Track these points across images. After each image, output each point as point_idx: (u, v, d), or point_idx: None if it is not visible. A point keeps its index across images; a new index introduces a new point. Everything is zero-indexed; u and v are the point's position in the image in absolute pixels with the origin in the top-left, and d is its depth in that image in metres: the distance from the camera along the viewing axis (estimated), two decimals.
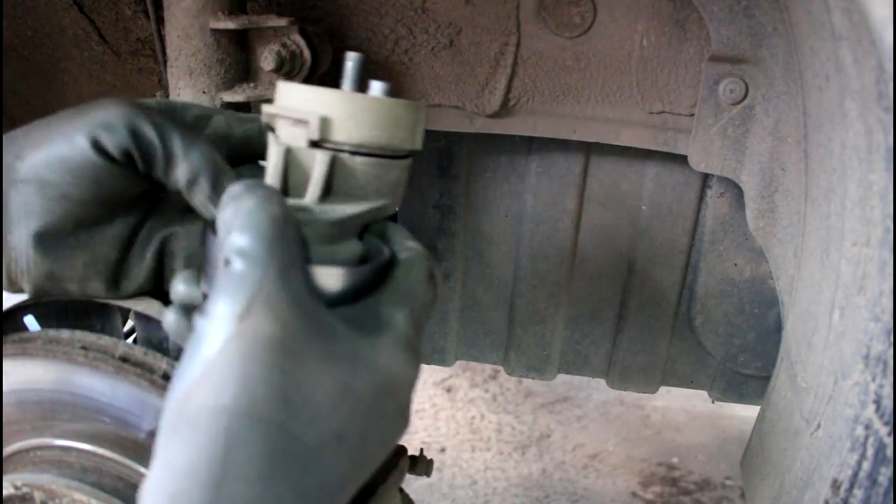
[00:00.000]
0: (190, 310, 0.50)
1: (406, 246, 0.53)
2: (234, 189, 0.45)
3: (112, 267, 0.58)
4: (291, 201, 0.52)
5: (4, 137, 0.55)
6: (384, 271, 0.51)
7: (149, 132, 0.53)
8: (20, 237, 0.54)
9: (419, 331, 0.47)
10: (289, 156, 0.52)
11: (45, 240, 0.54)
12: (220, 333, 0.39)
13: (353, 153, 0.53)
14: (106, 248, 0.58)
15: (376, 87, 0.54)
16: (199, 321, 0.41)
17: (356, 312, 0.46)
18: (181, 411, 0.38)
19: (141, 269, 0.60)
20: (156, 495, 0.37)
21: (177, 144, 0.54)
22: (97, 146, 0.52)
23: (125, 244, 0.59)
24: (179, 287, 0.50)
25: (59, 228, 0.54)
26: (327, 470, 0.39)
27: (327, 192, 0.53)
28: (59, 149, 0.52)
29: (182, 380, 0.39)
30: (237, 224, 0.42)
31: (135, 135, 0.53)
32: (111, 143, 0.53)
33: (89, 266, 0.57)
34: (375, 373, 0.43)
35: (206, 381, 0.38)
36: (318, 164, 0.52)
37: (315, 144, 0.52)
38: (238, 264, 0.41)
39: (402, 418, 0.46)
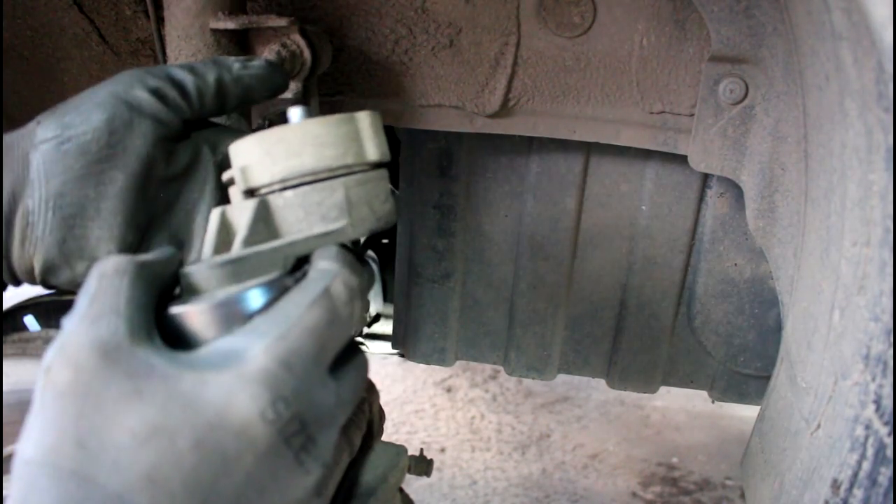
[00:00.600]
0: None
1: (318, 267, 0.47)
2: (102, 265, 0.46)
3: (124, 251, 0.58)
4: (215, 259, 0.48)
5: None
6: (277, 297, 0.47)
7: (179, 73, 0.60)
8: (39, 198, 0.54)
9: (290, 361, 0.42)
10: (223, 217, 0.52)
11: (64, 200, 0.54)
12: (36, 388, 0.40)
13: (284, 189, 0.50)
14: (122, 228, 0.57)
15: (294, 114, 0.52)
16: None
17: (208, 351, 0.43)
18: (14, 464, 0.39)
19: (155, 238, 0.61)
20: None
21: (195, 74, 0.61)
22: (119, 97, 0.56)
23: (142, 231, 0.58)
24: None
25: (77, 186, 0.55)
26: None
27: (268, 236, 0.50)
28: (78, 104, 0.55)
29: None
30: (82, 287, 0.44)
31: (169, 77, 0.58)
32: (141, 86, 0.57)
33: (101, 243, 0.56)
34: (199, 409, 0.39)
35: (23, 434, 0.39)
36: (244, 212, 0.51)
37: (250, 194, 0.51)
38: (65, 323, 0.42)
39: (257, 457, 0.40)
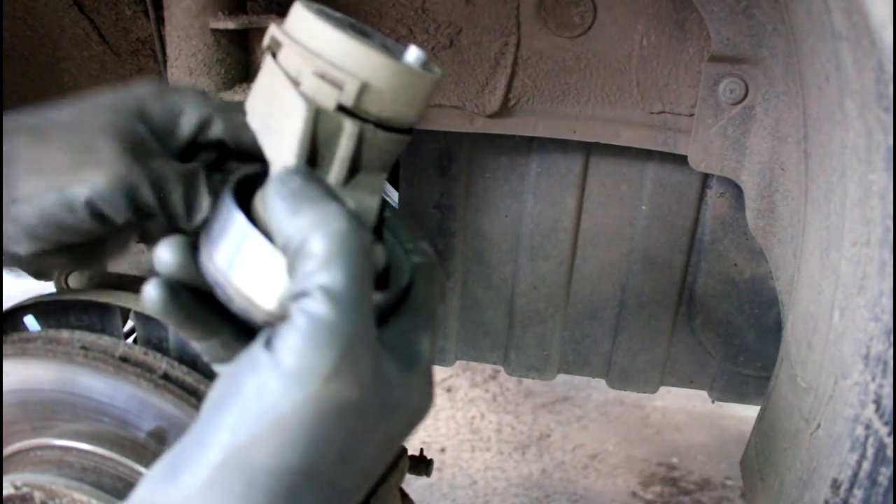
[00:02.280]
0: (177, 284, 0.44)
1: (418, 248, 0.48)
2: (292, 184, 0.41)
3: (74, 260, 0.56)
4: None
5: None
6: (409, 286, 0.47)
7: (147, 196, 0.48)
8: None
9: (435, 352, 0.46)
10: (316, 124, 0.44)
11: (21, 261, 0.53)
12: (301, 390, 0.36)
13: (378, 126, 0.45)
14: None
15: (414, 56, 0.46)
16: (267, 366, 0.37)
17: (395, 340, 0.43)
18: (240, 467, 0.36)
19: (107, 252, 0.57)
20: None
21: (177, 204, 0.49)
22: (95, 214, 0.48)
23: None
24: (165, 256, 0.44)
25: (37, 255, 0.52)
26: (346, 500, 0.41)
27: (353, 170, 0.46)
28: (54, 210, 0.47)
29: (240, 427, 0.36)
30: (326, 250, 0.37)
31: (134, 203, 0.48)
32: (110, 213, 0.48)
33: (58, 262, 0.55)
34: (408, 414, 0.42)
35: (272, 438, 0.36)
36: (346, 136, 0.45)
37: (342, 110, 0.44)
38: (327, 309, 0.36)
39: (409, 426, 0.46)
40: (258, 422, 0.36)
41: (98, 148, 0.47)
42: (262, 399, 0.36)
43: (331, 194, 0.41)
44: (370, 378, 0.38)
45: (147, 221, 0.51)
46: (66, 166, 0.47)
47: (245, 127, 0.53)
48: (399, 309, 0.44)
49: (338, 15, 0.49)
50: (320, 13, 0.46)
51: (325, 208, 0.39)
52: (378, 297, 0.42)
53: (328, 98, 0.44)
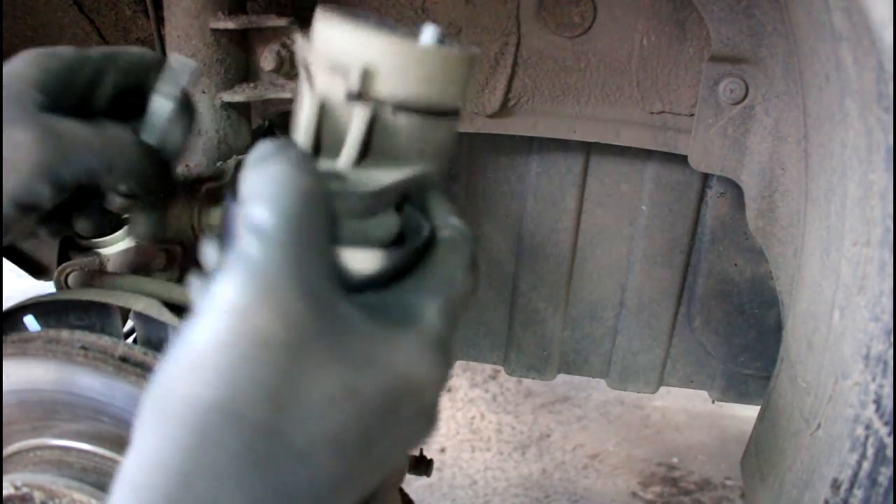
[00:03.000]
0: None
1: (449, 223, 0.47)
2: (263, 149, 0.40)
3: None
4: (323, 164, 0.45)
5: None
6: (423, 251, 0.45)
7: (66, 172, 0.53)
8: None
9: (453, 324, 0.42)
10: (324, 110, 0.45)
11: None
12: (216, 323, 0.35)
13: (397, 109, 0.45)
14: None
15: (429, 34, 0.46)
16: (199, 300, 0.37)
17: (384, 300, 0.42)
18: (161, 400, 0.36)
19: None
20: (122, 486, 0.35)
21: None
22: (22, 208, 0.53)
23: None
24: (210, 252, 0.44)
25: None
26: (318, 473, 0.37)
27: (364, 153, 0.46)
28: None
29: (168, 367, 0.36)
30: (259, 193, 0.37)
31: (59, 185, 0.53)
32: (38, 202, 0.53)
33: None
34: (389, 373, 0.38)
35: (191, 372, 0.35)
36: (355, 121, 0.45)
37: (354, 97, 0.44)
38: (251, 244, 0.36)
39: (425, 421, 0.42)
40: (181, 357, 0.36)
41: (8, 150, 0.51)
42: (190, 331, 0.36)
43: (296, 158, 0.39)
44: (297, 311, 0.36)
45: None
46: None
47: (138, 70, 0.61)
48: (410, 272, 0.44)
49: (362, 14, 0.48)
50: (338, 16, 0.46)
51: (275, 161, 0.39)
52: (379, 256, 0.42)
53: (338, 89, 0.44)
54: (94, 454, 0.58)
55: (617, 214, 1.15)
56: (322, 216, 0.39)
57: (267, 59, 0.84)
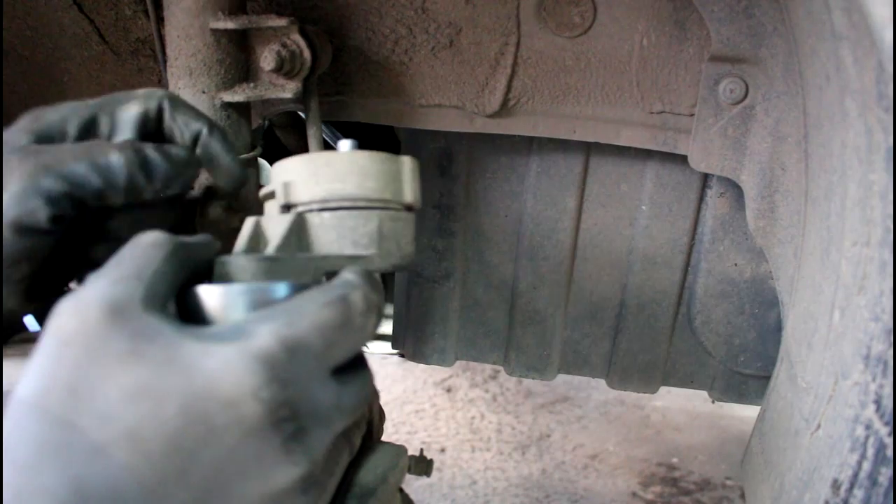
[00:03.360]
0: None
1: (341, 277, 0.49)
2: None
3: (25, 290, 0.57)
4: (255, 254, 0.51)
5: None
6: None
7: (53, 184, 0.53)
8: None
9: (296, 352, 0.42)
10: (257, 226, 0.55)
11: None
12: (42, 332, 0.41)
13: (322, 210, 0.54)
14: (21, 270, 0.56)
15: (343, 145, 0.56)
16: None
17: (222, 325, 0.44)
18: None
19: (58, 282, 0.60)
20: None
21: (92, 177, 0.54)
22: (21, 230, 0.52)
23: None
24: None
25: None
26: (116, 468, 0.38)
27: (300, 250, 0.53)
28: None
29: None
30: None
31: (49, 197, 0.53)
32: (37, 226, 0.53)
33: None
34: (189, 376, 0.39)
35: (23, 374, 0.40)
36: (281, 224, 0.53)
37: (286, 209, 0.54)
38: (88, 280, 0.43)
39: (254, 443, 0.40)
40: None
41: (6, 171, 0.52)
42: None
43: (161, 235, 0.47)
44: (96, 316, 0.40)
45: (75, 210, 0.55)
46: None
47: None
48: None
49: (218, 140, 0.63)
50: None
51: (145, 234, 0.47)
52: (229, 289, 0.46)
53: (274, 208, 0.56)
54: None
55: (617, 214, 1.15)
56: (150, 261, 0.44)
57: (267, 59, 0.84)
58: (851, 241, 0.62)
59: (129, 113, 0.60)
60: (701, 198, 1.11)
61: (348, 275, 0.48)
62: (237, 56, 0.86)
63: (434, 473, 2.20)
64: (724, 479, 2.26)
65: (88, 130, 0.59)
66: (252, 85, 0.87)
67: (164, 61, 0.90)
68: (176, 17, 0.83)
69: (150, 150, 0.57)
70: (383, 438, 0.68)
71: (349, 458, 0.57)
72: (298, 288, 0.47)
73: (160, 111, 0.61)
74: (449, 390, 2.64)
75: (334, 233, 0.54)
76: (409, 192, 0.57)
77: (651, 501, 2.16)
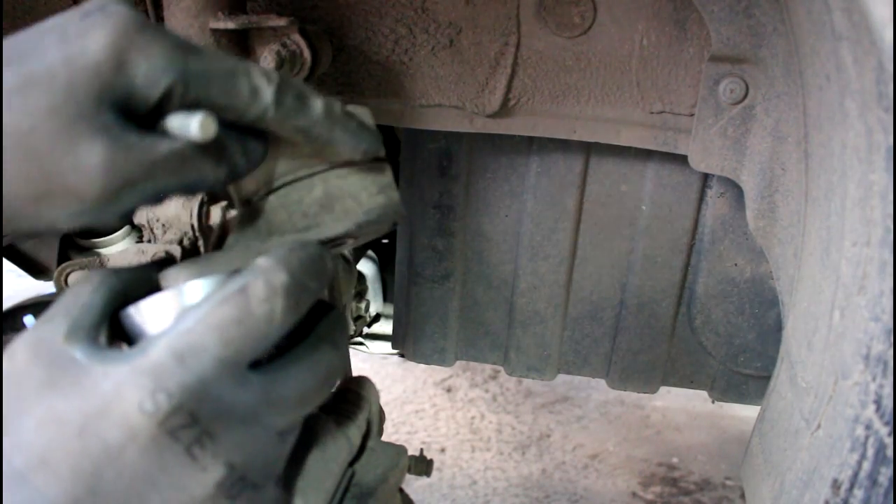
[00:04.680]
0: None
1: (252, 266, 0.45)
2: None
3: None
4: (183, 263, 0.51)
5: None
6: None
7: (129, 199, 0.45)
8: None
9: (187, 358, 0.41)
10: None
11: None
12: None
13: (267, 194, 0.52)
14: None
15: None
16: None
17: (139, 344, 0.43)
18: None
19: None
20: None
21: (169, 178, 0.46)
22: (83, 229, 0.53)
23: None
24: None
25: None
26: (34, 493, 0.40)
27: (257, 240, 0.53)
28: (40, 233, 0.51)
29: None
30: None
31: (122, 212, 0.48)
32: (99, 224, 0.48)
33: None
34: (89, 398, 0.40)
35: None
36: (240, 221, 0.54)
37: (246, 204, 0.54)
38: None
39: (140, 448, 0.40)
40: None
41: (61, 172, 0.42)
42: None
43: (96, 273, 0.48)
44: (23, 359, 0.42)
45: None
46: (29, 198, 0.43)
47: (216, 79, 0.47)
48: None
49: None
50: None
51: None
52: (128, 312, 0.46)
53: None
54: None
55: (617, 214, 1.15)
56: (84, 294, 0.46)
57: (267, 59, 0.84)
58: (851, 241, 0.62)
59: None
60: (701, 198, 1.11)
61: (260, 260, 0.45)
62: (237, 56, 0.86)
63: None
64: (724, 479, 2.26)
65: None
66: None
67: None
68: (176, 17, 0.83)
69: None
70: (383, 438, 0.68)
71: (349, 457, 0.57)
72: (215, 282, 0.45)
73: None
74: (449, 390, 2.64)
75: (284, 212, 0.51)
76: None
77: (651, 501, 2.16)
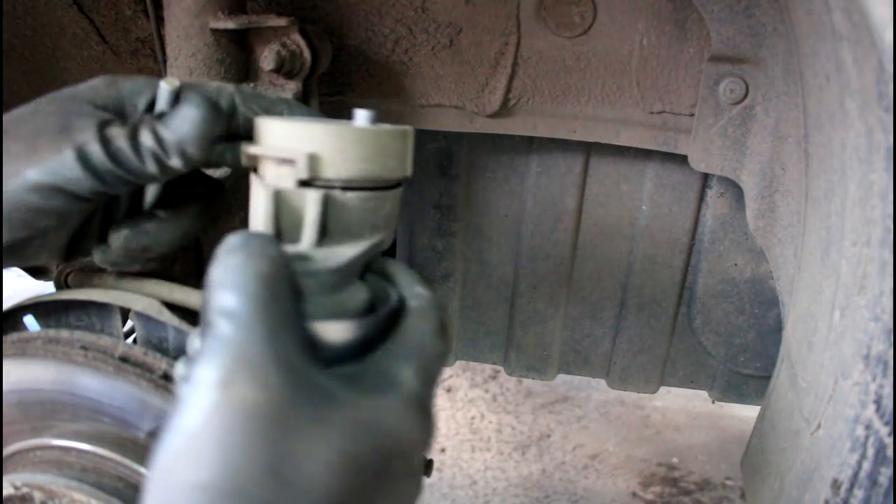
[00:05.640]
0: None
1: (415, 292, 0.50)
2: (228, 242, 0.43)
3: (63, 249, 0.58)
4: (288, 248, 0.49)
5: None
6: (393, 317, 0.48)
7: (99, 158, 0.51)
8: None
9: (430, 387, 0.45)
10: (278, 199, 0.50)
11: (9, 251, 0.54)
12: (202, 402, 0.36)
13: (345, 188, 0.50)
14: (61, 235, 0.56)
15: (361, 116, 0.51)
16: (182, 387, 0.38)
17: (361, 370, 0.43)
18: (163, 490, 0.36)
19: (89, 242, 0.60)
20: None
21: (129, 156, 0.52)
22: (56, 189, 0.51)
23: (79, 231, 0.58)
24: (195, 343, 0.45)
25: (22, 242, 0.54)
26: None
27: (323, 233, 0.50)
28: (20, 194, 0.51)
29: (163, 451, 0.36)
30: (224, 281, 0.40)
31: (90, 169, 0.51)
32: (70, 185, 0.51)
33: (42, 247, 0.56)
34: (381, 437, 0.39)
35: (186, 454, 0.35)
36: (310, 204, 0.49)
37: (304, 184, 0.50)
38: (222, 326, 0.38)
39: (414, 482, 0.43)
40: (175, 440, 0.36)
41: (47, 131, 0.51)
42: (179, 416, 0.37)
43: (258, 246, 0.42)
44: (277, 381, 0.37)
45: (117, 188, 0.53)
46: (22, 153, 0.51)
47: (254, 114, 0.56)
48: (383, 340, 0.46)
49: (304, 112, 0.57)
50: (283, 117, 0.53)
51: (238, 252, 0.41)
52: (351, 325, 0.45)
53: (287, 179, 0.50)
54: (94, 454, 0.58)
55: (617, 214, 1.15)
56: (285, 295, 0.41)
57: (267, 59, 0.84)
58: (851, 241, 0.62)
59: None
60: (701, 198, 1.11)
61: (419, 289, 0.51)
62: (237, 56, 0.86)
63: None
64: (724, 479, 2.25)
65: (153, 108, 0.57)
66: (252, 85, 0.87)
67: (164, 61, 0.90)
68: (176, 17, 0.83)
69: (161, 126, 0.53)
70: None
71: None
72: (389, 311, 0.48)
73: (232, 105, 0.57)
74: (449, 390, 2.64)
75: (357, 215, 0.51)
76: (410, 166, 0.54)
77: (651, 501, 2.16)
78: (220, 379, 0.36)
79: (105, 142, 0.51)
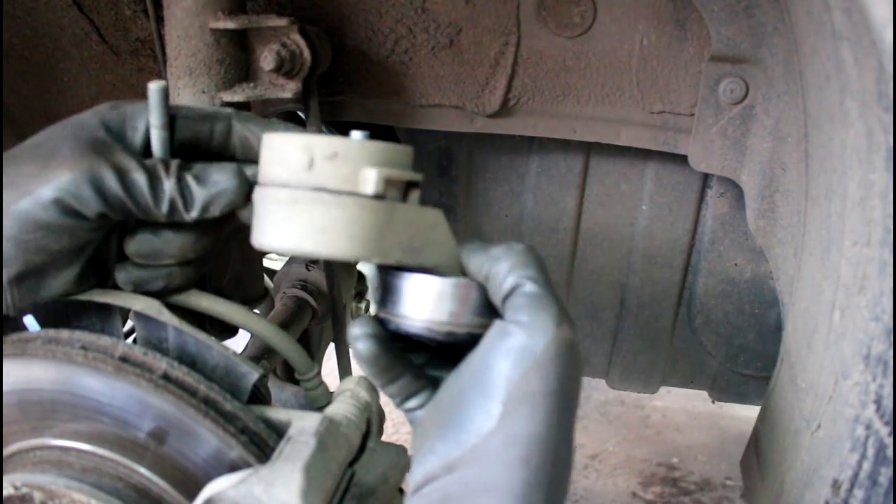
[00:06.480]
0: (380, 339, 0.57)
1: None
2: (502, 246, 0.55)
3: (76, 280, 0.60)
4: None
5: None
6: None
7: (112, 183, 0.55)
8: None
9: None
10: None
11: (25, 279, 0.57)
12: (545, 335, 0.50)
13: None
14: (74, 265, 0.59)
15: (357, 136, 0.55)
16: (514, 328, 0.50)
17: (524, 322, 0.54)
18: (519, 393, 0.49)
19: (100, 274, 0.63)
20: (504, 459, 0.48)
21: (143, 189, 0.56)
22: (66, 209, 0.54)
23: (88, 258, 0.61)
24: (356, 330, 0.56)
25: (37, 269, 0.57)
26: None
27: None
28: (31, 211, 0.54)
29: (516, 369, 0.49)
30: (520, 260, 0.53)
31: (101, 192, 0.55)
32: (79, 205, 0.54)
33: (56, 278, 0.59)
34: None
35: (536, 370, 0.49)
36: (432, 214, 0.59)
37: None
38: (537, 287, 0.52)
39: None
40: (524, 363, 0.49)
41: (60, 152, 0.55)
42: (521, 348, 0.50)
43: (522, 246, 0.56)
44: (573, 329, 0.52)
45: (119, 216, 0.57)
46: (33, 173, 0.55)
47: (199, 125, 0.61)
48: None
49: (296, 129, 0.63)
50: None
51: (497, 245, 0.55)
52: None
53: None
54: (94, 454, 0.58)
55: (617, 214, 1.15)
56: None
57: (267, 59, 0.84)
58: (851, 241, 0.62)
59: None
60: (701, 198, 1.11)
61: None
62: (237, 56, 0.86)
63: None
64: (724, 479, 2.25)
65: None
66: (252, 85, 0.87)
67: (164, 61, 0.90)
68: (176, 17, 0.83)
69: (191, 180, 0.58)
70: (383, 438, 0.68)
71: (349, 457, 0.57)
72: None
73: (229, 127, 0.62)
74: None
75: (414, 229, 0.57)
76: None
77: (651, 501, 2.16)
78: (556, 321, 0.50)
79: (120, 172, 0.55)
